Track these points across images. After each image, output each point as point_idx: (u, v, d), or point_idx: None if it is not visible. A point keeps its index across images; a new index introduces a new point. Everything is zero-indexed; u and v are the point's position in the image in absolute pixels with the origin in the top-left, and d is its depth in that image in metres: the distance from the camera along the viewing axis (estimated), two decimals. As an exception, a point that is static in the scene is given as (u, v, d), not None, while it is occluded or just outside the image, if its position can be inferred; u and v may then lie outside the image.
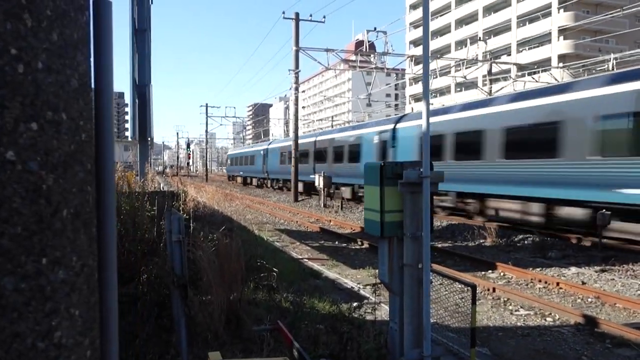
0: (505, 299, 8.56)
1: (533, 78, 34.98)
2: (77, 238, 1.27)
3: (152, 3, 19.53)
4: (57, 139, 1.22)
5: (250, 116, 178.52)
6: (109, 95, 1.39)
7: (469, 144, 16.91)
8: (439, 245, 13.52)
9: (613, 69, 28.56)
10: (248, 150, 51.66)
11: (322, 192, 25.98)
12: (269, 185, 42.10)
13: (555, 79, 32.11)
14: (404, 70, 59.27)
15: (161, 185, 15.82)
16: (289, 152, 33.26)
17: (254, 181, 47.21)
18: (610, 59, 31.31)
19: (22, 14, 1.14)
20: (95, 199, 1.37)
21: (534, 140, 14.44)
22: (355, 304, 7.69)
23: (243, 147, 67.99)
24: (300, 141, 31.35)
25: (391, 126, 22.69)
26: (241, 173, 52.78)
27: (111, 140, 1.36)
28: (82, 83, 1.32)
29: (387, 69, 33.71)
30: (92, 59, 1.36)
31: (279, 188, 38.98)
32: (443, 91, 77.73)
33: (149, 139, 17.66)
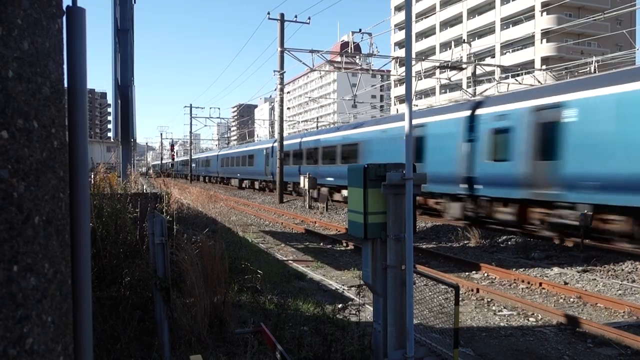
0: (489, 300, 8.64)
1: (516, 80, 35.35)
2: (49, 245, 1.26)
3: (135, 3, 19.35)
4: (29, 146, 1.21)
5: (235, 117, 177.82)
6: (83, 102, 1.38)
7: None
8: (424, 247, 13.59)
9: (595, 71, 29.00)
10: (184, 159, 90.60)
11: (307, 193, 26.00)
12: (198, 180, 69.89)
13: (539, 81, 32.48)
14: (389, 71, 59.53)
15: (144, 187, 15.69)
16: (203, 160, 67.58)
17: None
18: (592, 61, 31.75)
19: None
20: (69, 205, 1.37)
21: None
22: (339, 306, 7.70)
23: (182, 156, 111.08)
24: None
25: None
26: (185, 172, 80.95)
27: (85, 147, 1.35)
28: (55, 90, 1.30)
29: (373, 70, 33.71)
30: (65, 66, 1.35)
31: (197, 179, 68.49)
32: (428, 93, 78.18)
33: (132, 139, 17.49)
